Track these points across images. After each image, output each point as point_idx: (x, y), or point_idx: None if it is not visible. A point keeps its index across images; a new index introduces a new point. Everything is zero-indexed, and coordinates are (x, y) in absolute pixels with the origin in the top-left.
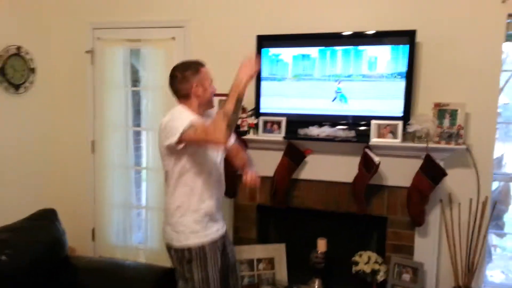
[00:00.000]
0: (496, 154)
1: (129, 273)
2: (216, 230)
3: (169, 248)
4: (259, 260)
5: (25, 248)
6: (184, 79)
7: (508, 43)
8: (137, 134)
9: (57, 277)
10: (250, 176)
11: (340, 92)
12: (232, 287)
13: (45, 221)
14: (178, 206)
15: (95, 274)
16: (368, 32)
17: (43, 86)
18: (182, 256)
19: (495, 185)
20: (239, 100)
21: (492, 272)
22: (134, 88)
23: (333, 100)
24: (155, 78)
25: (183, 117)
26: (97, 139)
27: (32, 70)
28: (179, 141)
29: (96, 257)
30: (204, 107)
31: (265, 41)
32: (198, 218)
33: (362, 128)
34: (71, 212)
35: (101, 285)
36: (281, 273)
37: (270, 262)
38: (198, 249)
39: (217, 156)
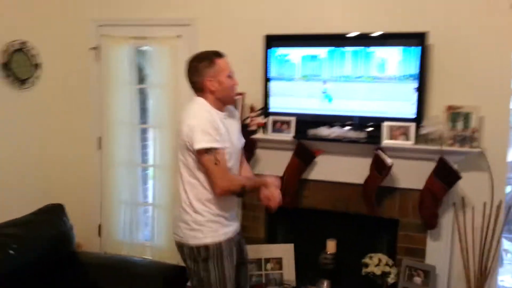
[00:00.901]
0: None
1: (137, 269)
2: (232, 227)
3: (181, 245)
4: (267, 260)
5: (32, 242)
6: (197, 71)
7: None
8: (144, 132)
9: (65, 272)
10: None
11: (325, 93)
12: (242, 284)
13: (52, 215)
14: (192, 203)
15: (103, 270)
16: (378, 34)
17: (49, 81)
18: (197, 254)
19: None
20: (255, 189)
21: (503, 277)
22: (140, 86)
23: (322, 100)
24: (161, 76)
25: (206, 126)
26: (103, 135)
27: (37, 66)
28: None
29: (102, 253)
30: (222, 101)
31: (273, 41)
32: (214, 215)
33: (370, 129)
34: (77, 208)
35: (110, 281)
36: (289, 273)
37: (278, 262)
38: (215, 247)
39: (233, 155)
